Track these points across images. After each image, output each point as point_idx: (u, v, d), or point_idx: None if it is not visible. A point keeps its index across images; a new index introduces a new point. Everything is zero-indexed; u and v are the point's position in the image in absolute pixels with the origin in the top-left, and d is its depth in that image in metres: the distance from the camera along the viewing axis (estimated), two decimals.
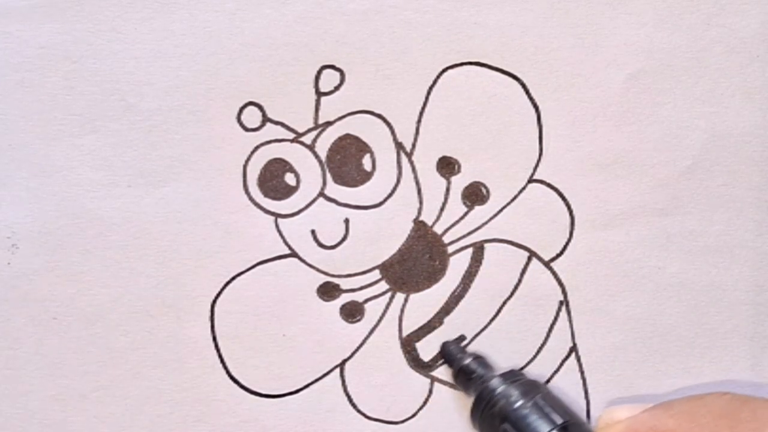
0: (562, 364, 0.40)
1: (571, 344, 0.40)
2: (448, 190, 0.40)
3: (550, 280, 0.40)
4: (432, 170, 0.40)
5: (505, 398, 0.37)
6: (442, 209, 0.40)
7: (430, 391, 0.40)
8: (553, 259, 0.40)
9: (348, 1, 0.39)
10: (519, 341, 0.40)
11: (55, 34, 0.39)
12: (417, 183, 0.40)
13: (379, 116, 0.40)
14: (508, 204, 0.40)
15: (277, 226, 0.40)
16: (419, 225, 0.40)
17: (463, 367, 0.39)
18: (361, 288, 0.40)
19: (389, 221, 0.40)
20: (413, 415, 0.40)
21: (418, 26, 0.39)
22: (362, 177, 0.40)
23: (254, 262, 0.40)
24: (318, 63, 0.39)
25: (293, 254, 0.40)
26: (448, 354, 0.40)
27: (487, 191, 0.40)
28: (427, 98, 0.40)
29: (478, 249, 0.40)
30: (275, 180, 0.40)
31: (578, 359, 0.40)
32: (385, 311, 0.40)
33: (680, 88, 0.40)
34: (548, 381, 0.40)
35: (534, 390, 0.37)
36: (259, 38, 0.39)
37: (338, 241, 0.40)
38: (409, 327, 0.40)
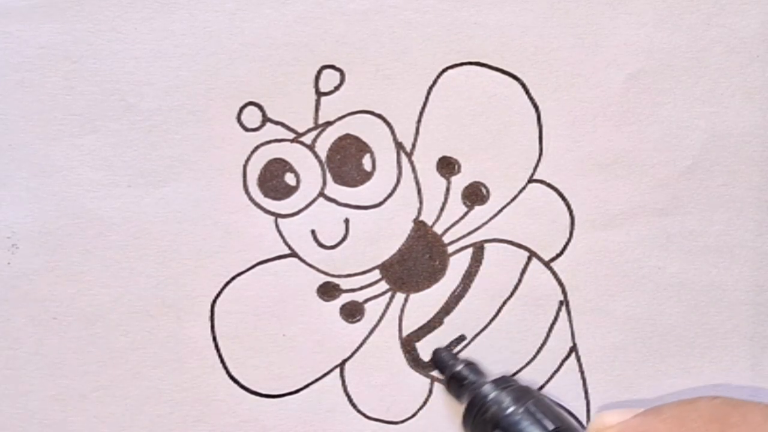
0: (562, 364, 0.40)
1: (571, 344, 0.40)
2: (448, 190, 0.40)
3: (550, 280, 0.40)
4: (432, 170, 0.40)
5: (496, 404, 0.37)
6: (442, 209, 0.40)
7: (430, 391, 0.40)
8: (553, 259, 0.40)
9: (348, 1, 0.39)
10: (519, 341, 0.40)
11: (55, 34, 0.39)
12: (417, 183, 0.40)
13: (379, 116, 0.40)
14: (508, 204, 0.40)
15: (277, 226, 0.40)
16: (419, 225, 0.40)
17: (454, 374, 0.39)
18: (361, 288, 0.40)
19: (389, 221, 0.40)
20: (413, 415, 0.40)
21: (418, 26, 0.39)
22: (362, 177, 0.40)
23: (254, 262, 0.40)
24: (318, 63, 0.39)
25: (293, 254, 0.40)
26: (440, 361, 0.40)
27: (487, 191, 0.40)
28: (427, 98, 0.40)
29: (478, 249, 0.40)
30: (275, 180, 0.40)
31: (578, 359, 0.40)
32: (385, 311, 0.40)
33: (680, 88, 0.40)
34: (548, 381, 0.40)
35: (526, 396, 0.37)
36: (259, 38, 0.39)
37: (338, 241, 0.40)
38: (409, 327, 0.40)
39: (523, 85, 0.40)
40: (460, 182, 0.40)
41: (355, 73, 0.39)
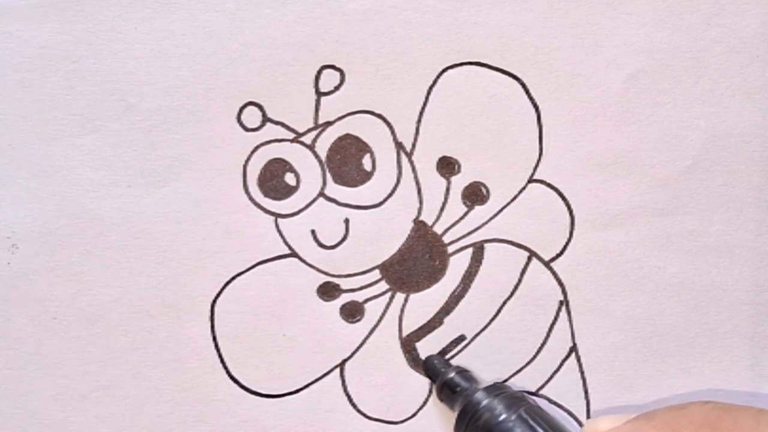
0: (562, 364, 0.40)
1: (571, 344, 0.40)
2: (448, 190, 0.40)
3: (550, 280, 0.40)
4: (432, 170, 0.40)
5: (489, 411, 0.37)
6: (442, 209, 0.40)
7: (430, 391, 0.40)
8: (553, 259, 0.40)
9: (348, 1, 0.39)
10: (519, 341, 0.40)
11: (55, 34, 0.39)
12: (417, 183, 0.40)
13: (379, 116, 0.40)
14: (508, 204, 0.40)
15: (277, 226, 0.40)
16: (419, 225, 0.40)
17: (446, 381, 0.39)
18: (361, 288, 0.40)
19: (389, 221, 0.40)
20: (413, 415, 0.40)
21: (418, 26, 0.39)
22: (362, 177, 0.40)
23: (254, 262, 0.40)
24: (318, 63, 0.39)
25: (293, 254, 0.40)
26: (432, 368, 0.40)
27: (487, 191, 0.40)
28: (427, 98, 0.40)
29: (478, 249, 0.40)
30: (275, 180, 0.40)
31: (578, 359, 0.40)
32: (385, 311, 0.40)
33: (680, 88, 0.40)
34: (548, 381, 0.40)
35: (518, 403, 0.37)
36: (259, 38, 0.39)
37: (338, 241, 0.40)
38: (409, 327, 0.40)
39: (523, 85, 0.40)
40: (460, 182, 0.40)
41: (355, 73, 0.39)
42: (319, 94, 0.40)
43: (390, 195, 0.40)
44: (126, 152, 0.39)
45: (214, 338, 0.40)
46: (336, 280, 0.40)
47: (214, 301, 0.40)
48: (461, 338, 0.40)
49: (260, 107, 0.39)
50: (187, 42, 0.39)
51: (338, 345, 0.40)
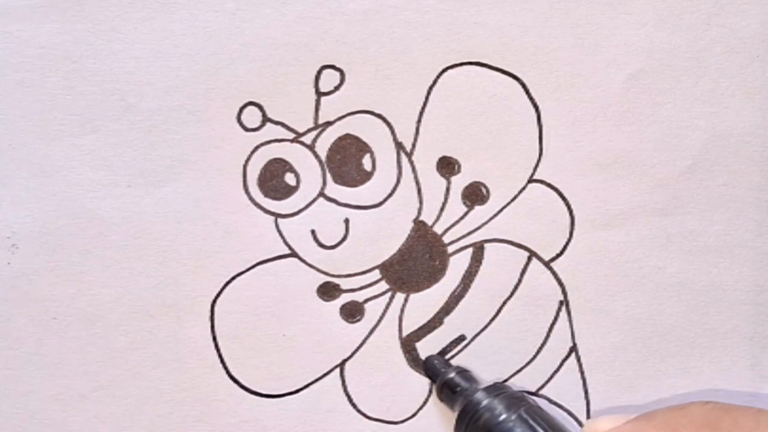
0: (562, 364, 0.40)
1: (571, 344, 0.40)
2: (448, 190, 0.40)
3: (550, 280, 0.40)
4: (432, 170, 0.40)
5: (489, 411, 0.37)
6: (442, 209, 0.40)
7: (430, 391, 0.40)
8: (553, 259, 0.40)
9: (348, 1, 0.39)
10: (519, 341, 0.40)
11: (55, 34, 0.39)
12: (417, 183, 0.40)
13: (379, 116, 0.40)
14: (508, 204, 0.40)
15: (277, 226, 0.40)
16: (419, 225, 0.40)
17: (446, 382, 0.39)
18: (361, 288, 0.40)
19: (389, 221, 0.40)
20: (413, 415, 0.40)
21: (418, 26, 0.39)
22: (362, 177, 0.40)
23: (254, 262, 0.40)
24: (318, 63, 0.39)
25: (293, 254, 0.40)
26: (432, 368, 0.40)
27: (487, 191, 0.40)
28: (427, 98, 0.40)
29: (478, 249, 0.40)
30: (275, 180, 0.40)
31: (578, 359, 0.40)
32: (385, 311, 0.40)
33: (680, 88, 0.40)
34: (548, 381, 0.40)
35: (518, 403, 0.37)
36: (259, 38, 0.39)
37: (338, 241, 0.40)
38: (409, 327, 0.40)
39: (523, 85, 0.40)
40: (460, 182, 0.40)
41: (355, 73, 0.39)
42: (319, 94, 0.40)
43: (390, 195, 0.40)
44: (126, 152, 0.39)
45: (214, 338, 0.40)
46: (336, 280, 0.40)
47: (214, 301, 0.40)
48: (461, 338, 0.40)
49: (260, 107, 0.39)
50: (187, 42, 0.39)
51: (338, 345, 0.40)
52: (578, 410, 0.40)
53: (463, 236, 0.40)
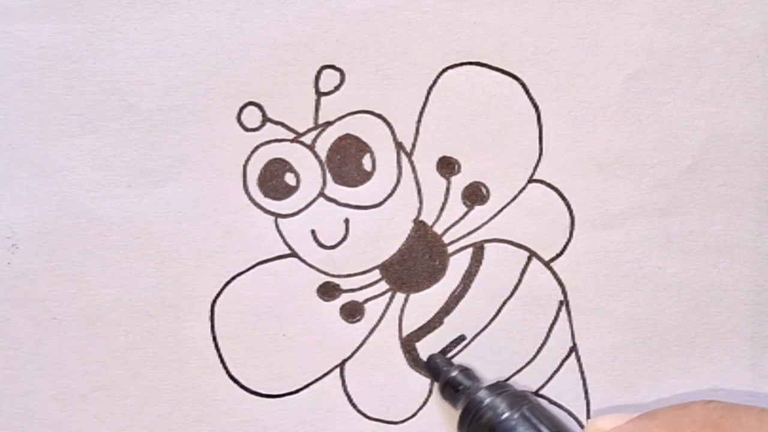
0: (562, 364, 0.40)
1: (571, 344, 0.40)
2: (448, 190, 0.40)
3: (550, 280, 0.40)
4: (432, 170, 0.40)
5: (492, 410, 0.37)
6: (442, 209, 0.40)
7: (430, 391, 0.40)
8: (553, 259, 0.40)
9: (348, 1, 0.39)
10: (519, 341, 0.40)
11: (55, 34, 0.39)
12: (417, 183, 0.40)
13: (379, 116, 0.40)
14: (508, 204, 0.40)
15: (277, 226, 0.40)
16: (419, 225, 0.40)
17: (449, 380, 0.39)
18: (361, 288, 0.40)
19: (389, 221, 0.40)
20: (413, 415, 0.40)
21: (418, 26, 0.39)
22: (362, 177, 0.40)
23: (254, 262, 0.40)
24: (318, 63, 0.39)
25: (293, 254, 0.40)
26: (434, 367, 0.40)
27: (487, 191, 0.40)
28: (427, 98, 0.40)
29: (478, 249, 0.40)
30: (275, 180, 0.40)
31: (578, 359, 0.40)
32: (385, 311, 0.40)
33: (680, 88, 0.40)
34: (548, 381, 0.40)
35: (521, 401, 0.37)
36: (259, 38, 0.39)
37: (338, 241, 0.40)
38: (409, 327, 0.40)
39: (523, 85, 0.40)
40: (460, 182, 0.40)
41: (355, 73, 0.39)
42: (319, 94, 0.40)
43: (390, 195, 0.40)
44: (126, 152, 0.39)
45: (214, 338, 0.40)
46: (336, 280, 0.40)
47: (214, 301, 0.40)
48: (461, 338, 0.40)
49: (260, 107, 0.39)
50: (187, 42, 0.39)
51: (338, 345, 0.40)
52: (578, 410, 0.40)
53: (463, 236, 0.40)
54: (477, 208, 0.40)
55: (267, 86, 0.39)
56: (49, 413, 0.39)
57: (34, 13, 0.39)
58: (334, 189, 0.40)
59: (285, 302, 0.40)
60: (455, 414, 0.39)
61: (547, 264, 0.40)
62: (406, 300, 0.40)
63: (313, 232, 0.40)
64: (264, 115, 0.39)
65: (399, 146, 0.40)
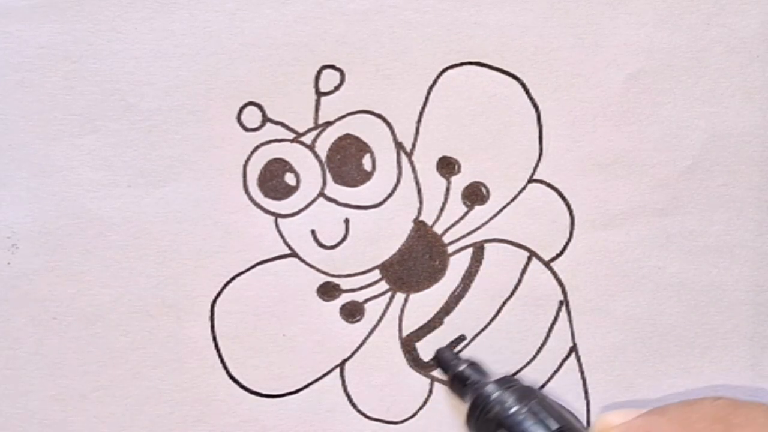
0: (562, 364, 0.40)
1: (571, 344, 0.40)
2: (448, 190, 0.40)
3: (550, 280, 0.40)
4: (432, 170, 0.40)
5: (500, 404, 0.37)
6: (442, 209, 0.40)
7: (430, 391, 0.40)
8: (553, 259, 0.40)
9: (348, 1, 0.39)
10: (519, 341, 0.40)
11: (55, 34, 0.39)
12: (417, 183, 0.40)
13: (379, 116, 0.40)
14: (508, 204, 0.40)
15: (277, 226, 0.40)
16: (419, 225, 0.40)
17: (457, 374, 0.39)
18: (361, 288, 0.40)
19: (389, 221, 0.40)
20: (413, 415, 0.40)
21: (418, 26, 0.39)
22: (362, 177, 0.40)
23: (254, 262, 0.40)
24: (318, 63, 0.39)
25: (293, 254, 0.40)
26: (443, 360, 0.40)
27: (487, 191, 0.40)
28: (427, 98, 0.40)
29: (478, 249, 0.40)
30: (275, 180, 0.40)
31: (578, 359, 0.40)
32: (385, 311, 0.40)
33: (680, 88, 0.40)
34: (548, 381, 0.40)
35: (529, 396, 0.37)
36: (259, 38, 0.39)
37: (338, 241, 0.40)
38: (409, 327, 0.40)
39: (523, 85, 0.40)
40: (460, 182, 0.40)
41: (355, 73, 0.39)
42: (319, 94, 0.40)
43: (390, 195, 0.40)
44: (126, 152, 0.39)
45: (214, 338, 0.40)
46: (336, 280, 0.40)
47: (214, 301, 0.40)
48: (461, 338, 0.40)
49: (260, 107, 0.39)
50: (187, 42, 0.39)
51: (338, 345, 0.40)
52: (578, 410, 0.40)
53: (463, 236, 0.40)
54: (477, 208, 0.40)
55: (267, 86, 0.39)
56: (49, 413, 0.39)
57: (34, 13, 0.39)
58: (334, 189, 0.40)
59: (285, 302, 0.40)
60: (455, 414, 0.39)
61: (547, 264, 0.40)
62: (406, 300, 0.40)
63: (313, 232, 0.40)
64: (264, 115, 0.39)
65: (399, 146, 0.40)
